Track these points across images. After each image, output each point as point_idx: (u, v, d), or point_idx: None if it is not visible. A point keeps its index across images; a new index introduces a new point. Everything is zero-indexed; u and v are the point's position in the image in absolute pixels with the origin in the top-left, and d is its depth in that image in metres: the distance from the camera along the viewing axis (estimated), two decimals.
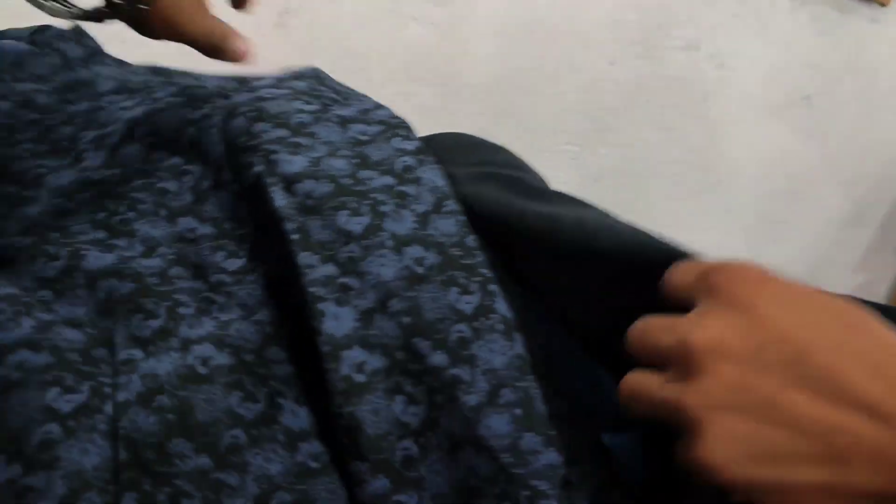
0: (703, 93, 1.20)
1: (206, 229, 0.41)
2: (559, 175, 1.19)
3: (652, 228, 0.39)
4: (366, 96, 0.52)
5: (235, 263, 0.40)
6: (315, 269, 0.36)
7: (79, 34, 0.61)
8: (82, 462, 0.31)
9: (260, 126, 0.43)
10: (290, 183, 0.40)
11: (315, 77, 0.52)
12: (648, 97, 1.17)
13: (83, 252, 0.39)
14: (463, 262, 0.39)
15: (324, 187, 0.40)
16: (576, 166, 1.17)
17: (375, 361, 0.35)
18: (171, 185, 0.43)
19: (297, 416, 0.35)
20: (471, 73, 1.06)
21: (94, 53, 0.61)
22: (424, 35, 1.01)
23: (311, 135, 0.44)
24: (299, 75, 0.51)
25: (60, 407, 0.32)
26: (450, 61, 1.04)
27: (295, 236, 0.37)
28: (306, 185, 0.40)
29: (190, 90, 0.48)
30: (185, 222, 0.41)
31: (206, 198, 0.43)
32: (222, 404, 0.33)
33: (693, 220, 1.27)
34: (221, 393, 0.34)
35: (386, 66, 1.00)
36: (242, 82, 0.56)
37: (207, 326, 0.36)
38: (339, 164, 0.42)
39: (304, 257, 0.36)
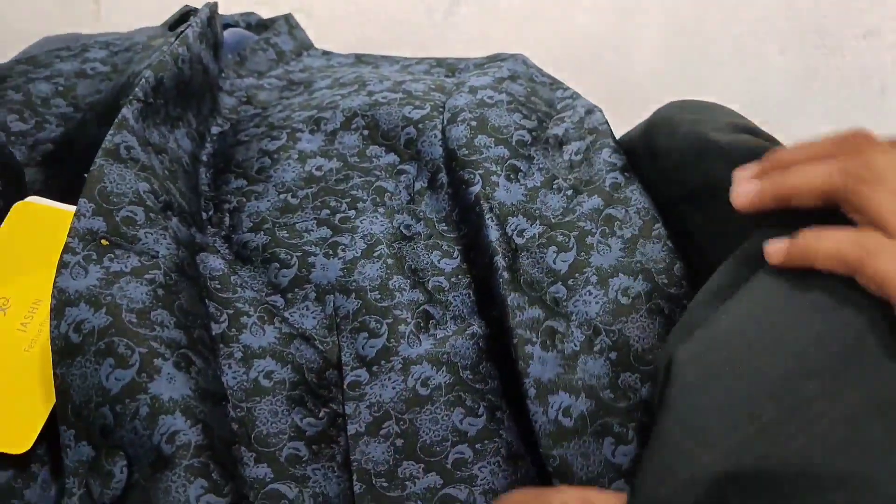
0: (882, 85, 1.13)
1: (420, 227, 0.43)
2: None
3: None
4: (574, 94, 0.52)
5: (450, 265, 0.41)
6: (524, 311, 0.37)
7: (291, 26, 0.65)
8: (327, 489, 0.34)
9: (482, 139, 0.44)
10: (504, 216, 0.41)
11: (527, 77, 0.52)
12: (820, 88, 1.12)
13: (311, 259, 0.41)
14: (669, 291, 0.39)
15: (534, 229, 0.41)
16: None
17: (581, 405, 0.35)
18: (388, 185, 0.45)
19: (512, 432, 0.36)
20: (637, 62, 1.04)
21: (304, 46, 0.64)
22: (592, 24, 1.01)
23: (530, 158, 0.44)
24: (514, 75, 0.51)
25: (305, 429, 0.35)
26: (616, 50, 1.03)
27: (504, 274, 0.38)
28: (519, 222, 0.41)
29: (406, 86, 0.50)
30: (401, 219, 0.43)
31: (420, 198, 0.44)
32: (446, 423, 0.35)
33: None
34: (444, 411, 0.35)
35: (553, 55, 1.00)
36: (452, 70, 0.57)
37: (426, 345, 0.37)
38: (554, 202, 0.42)
39: (513, 298, 0.37)
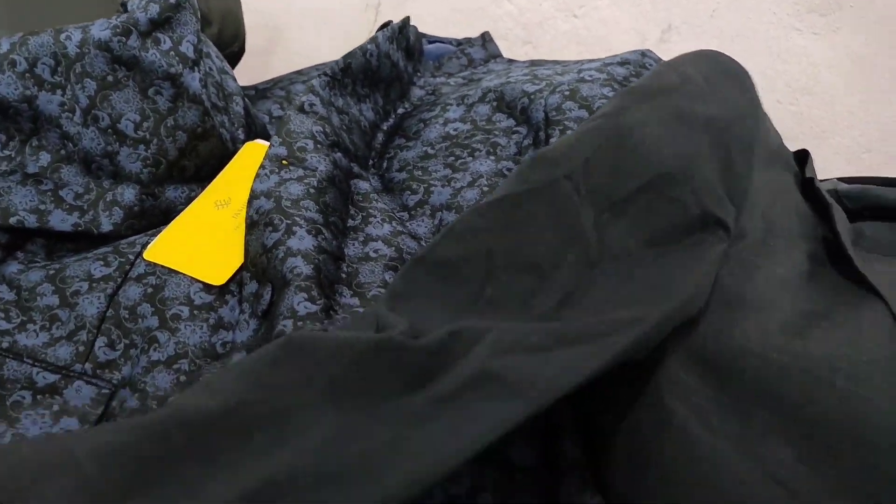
0: None
1: None
2: None
3: None
4: None
5: None
6: None
7: (485, 40, 0.80)
8: None
9: (568, 104, 0.56)
10: None
11: (638, 65, 0.62)
12: None
13: (433, 189, 0.55)
14: None
15: None
16: None
17: None
18: (502, 141, 0.58)
19: None
20: (858, 84, 1.05)
21: (493, 55, 0.80)
22: (806, 46, 1.04)
23: None
24: (624, 61, 0.62)
25: (389, 282, 0.49)
26: (833, 70, 1.05)
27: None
28: None
29: (537, 71, 0.63)
30: (506, 164, 0.56)
31: (525, 151, 0.57)
32: None
33: None
34: None
35: (766, 76, 1.05)
36: (580, 62, 0.69)
37: None
38: None
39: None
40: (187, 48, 0.55)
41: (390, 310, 0.39)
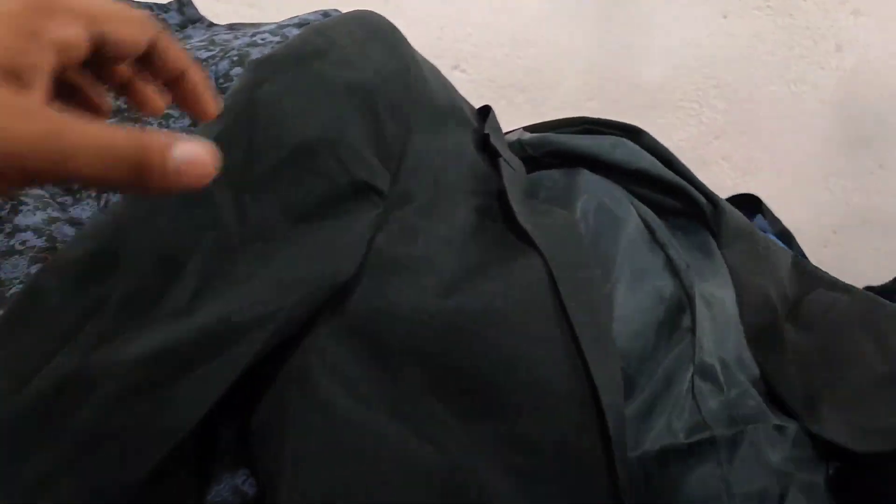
0: (836, 44, 1.16)
1: None
2: (678, 133, 1.20)
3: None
4: None
5: None
6: None
7: (181, 4, 0.76)
8: None
9: (237, 70, 0.54)
10: None
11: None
12: (770, 49, 1.14)
13: None
14: None
15: None
16: (695, 123, 1.18)
17: None
18: (175, 112, 0.55)
19: None
20: (575, 34, 1.10)
21: (191, 20, 0.76)
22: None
23: None
24: (303, 23, 0.60)
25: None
26: (553, 22, 1.10)
27: None
28: None
29: (216, 37, 0.60)
30: None
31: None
32: None
33: (836, 180, 1.22)
34: None
35: (492, 31, 1.08)
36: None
37: None
38: None
39: None
40: None
41: (8, 329, 0.36)
